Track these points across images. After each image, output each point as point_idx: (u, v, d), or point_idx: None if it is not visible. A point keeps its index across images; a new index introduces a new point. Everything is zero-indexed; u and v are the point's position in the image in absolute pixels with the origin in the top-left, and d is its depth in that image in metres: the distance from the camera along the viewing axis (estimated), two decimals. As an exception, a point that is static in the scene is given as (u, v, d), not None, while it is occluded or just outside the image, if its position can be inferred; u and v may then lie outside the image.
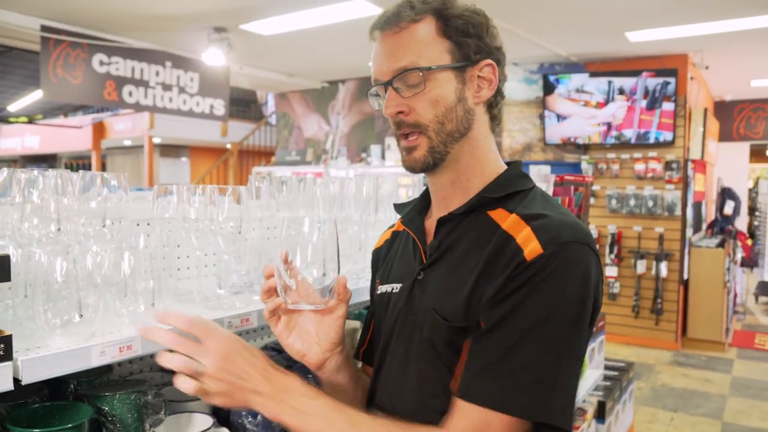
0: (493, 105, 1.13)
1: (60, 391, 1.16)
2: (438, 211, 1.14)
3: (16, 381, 0.86)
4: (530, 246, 0.93)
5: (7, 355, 0.83)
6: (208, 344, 0.95)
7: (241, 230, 1.27)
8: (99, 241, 1.09)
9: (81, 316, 0.95)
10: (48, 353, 0.89)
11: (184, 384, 0.95)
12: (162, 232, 1.30)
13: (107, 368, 1.25)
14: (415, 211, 1.20)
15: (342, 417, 0.94)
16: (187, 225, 1.26)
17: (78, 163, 15.89)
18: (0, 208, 1.05)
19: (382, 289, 1.19)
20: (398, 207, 1.30)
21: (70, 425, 0.96)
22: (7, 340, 0.83)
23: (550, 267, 0.91)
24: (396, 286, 1.15)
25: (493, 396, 0.89)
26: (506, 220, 1.01)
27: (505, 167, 1.14)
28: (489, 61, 1.09)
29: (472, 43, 1.06)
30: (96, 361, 0.94)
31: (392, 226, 1.34)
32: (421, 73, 1.03)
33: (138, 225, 1.37)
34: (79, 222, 1.07)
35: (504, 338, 0.91)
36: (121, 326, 1.04)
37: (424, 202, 1.21)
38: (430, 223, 1.14)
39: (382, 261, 1.27)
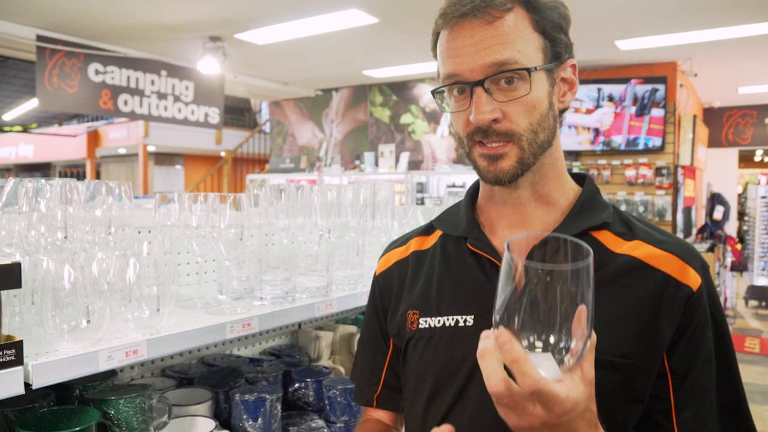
0: (565, 110, 0.99)
1: (66, 397, 1.19)
2: (507, 228, 1.00)
3: (26, 386, 0.89)
4: (690, 277, 0.90)
5: (18, 360, 0.86)
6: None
7: (243, 236, 1.30)
8: (103, 249, 1.12)
9: (88, 321, 0.98)
10: (57, 358, 0.91)
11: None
12: (164, 239, 1.33)
13: (111, 373, 1.28)
14: (476, 228, 1.02)
15: None
16: (188, 232, 1.29)
17: (72, 171, 15.86)
18: (7, 217, 1.08)
19: (431, 322, 1.00)
20: (441, 222, 1.10)
21: (77, 428, 0.98)
22: (18, 346, 0.85)
23: (711, 290, 0.93)
24: (465, 318, 0.96)
25: None
26: (623, 245, 0.94)
27: (572, 180, 1.04)
28: (573, 60, 0.97)
29: (562, 39, 0.94)
30: (104, 366, 0.97)
31: (401, 243, 1.15)
32: (525, 73, 0.89)
33: (140, 233, 1.40)
34: (84, 230, 1.10)
35: (709, 383, 0.90)
36: (127, 331, 1.07)
37: (473, 215, 1.05)
38: (499, 242, 0.99)
39: (404, 287, 1.08)
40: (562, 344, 0.66)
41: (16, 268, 0.84)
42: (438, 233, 1.09)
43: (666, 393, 0.89)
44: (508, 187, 0.96)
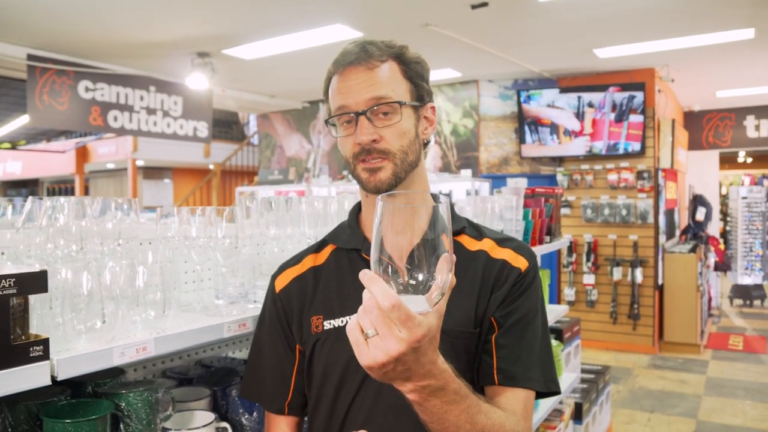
0: (428, 143, 1.27)
1: (80, 393, 1.31)
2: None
3: (52, 379, 1.01)
4: (520, 262, 1.20)
5: (45, 356, 0.98)
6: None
7: (237, 245, 1.43)
8: (113, 258, 1.24)
9: (104, 322, 1.10)
10: (78, 354, 1.04)
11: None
12: (165, 249, 1.45)
13: (119, 372, 1.40)
14: (366, 240, 1.24)
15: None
16: (188, 242, 1.42)
17: (60, 187, 15.88)
18: (26, 232, 1.20)
19: (334, 323, 1.19)
20: (335, 239, 1.30)
21: (94, 417, 1.11)
22: (45, 343, 0.98)
23: (534, 272, 1.21)
24: None
25: (531, 380, 1.14)
26: (476, 244, 1.24)
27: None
28: (432, 104, 1.25)
29: (424, 86, 1.22)
30: (117, 360, 1.09)
31: (295, 262, 1.32)
32: (396, 106, 1.15)
33: (148, 243, 1.52)
34: (96, 242, 1.22)
35: (524, 331, 1.16)
36: (136, 331, 1.20)
37: (360, 231, 1.27)
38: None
39: (306, 299, 1.25)
40: (430, 282, 0.79)
41: (43, 275, 0.97)
42: (329, 249, 1.31)
43: (490, 336, 1.16)
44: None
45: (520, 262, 1.21)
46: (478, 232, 1.27)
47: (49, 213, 1.15)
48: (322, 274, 1.27)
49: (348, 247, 1.26)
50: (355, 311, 1.08)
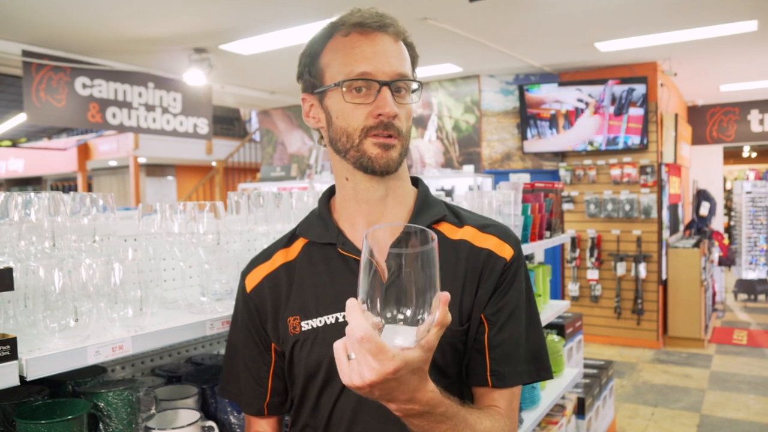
0: None
1: (59, 392, 1.28)
2: (366, 225, 1.14)
3: (21, 379, 0.97)
4: (505, 250, 1.14)
5: (13, 355, 0.94)
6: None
7: (220, 242, 1.39)
8: (90, 255, 1.21)
9: (76, 321, 1.07)
10: (49, 353, 1.00)
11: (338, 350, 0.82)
12: (148, 246, 1.42)
13: (101, 371, 1.37)
14: (341, 233, 1.17)
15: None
16: (171, 239, 1.38)
17: (63, 184, 15.88)
18: None
19: (312, 323, 1.12)
20: (306, 232, 1.22)
21: (69, 417, 1.07)
22: (12, 342, 0.94)
23: (518, 259, 1.16)
24: (343, 315, 1.09)
25: (520, 375, 1.11)
26: (458, 232, 1.16)
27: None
28: None
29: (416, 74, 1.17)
30: (92, 359, 1.05)
31: (265, 258, 1.24)
32: (409, 86, 1.10)
33: (125, 240, 1.49)
34: (71, 238, 1.19)
35: (514, 325, 1.12)
36: (113, 329, 1.16)
37: (333, 222, 1.19)
38: (361, 240, 1.08)
39: (280, 298, 1.18)
40: (418, 317, 0.77)
41: (8, 272, 0.93)
42: (300, 243, 1.22)
43: (482, 336, 1.12)
44: (377, 184, 1.13)
45: (506, 251, 1.14)
46: (459, 218, 1.19)
47: (19, 208, 1.12)
48: (295, 270, 1.19)
49: (321, 242, 1.18)
50: (333, 310, 1.10)
